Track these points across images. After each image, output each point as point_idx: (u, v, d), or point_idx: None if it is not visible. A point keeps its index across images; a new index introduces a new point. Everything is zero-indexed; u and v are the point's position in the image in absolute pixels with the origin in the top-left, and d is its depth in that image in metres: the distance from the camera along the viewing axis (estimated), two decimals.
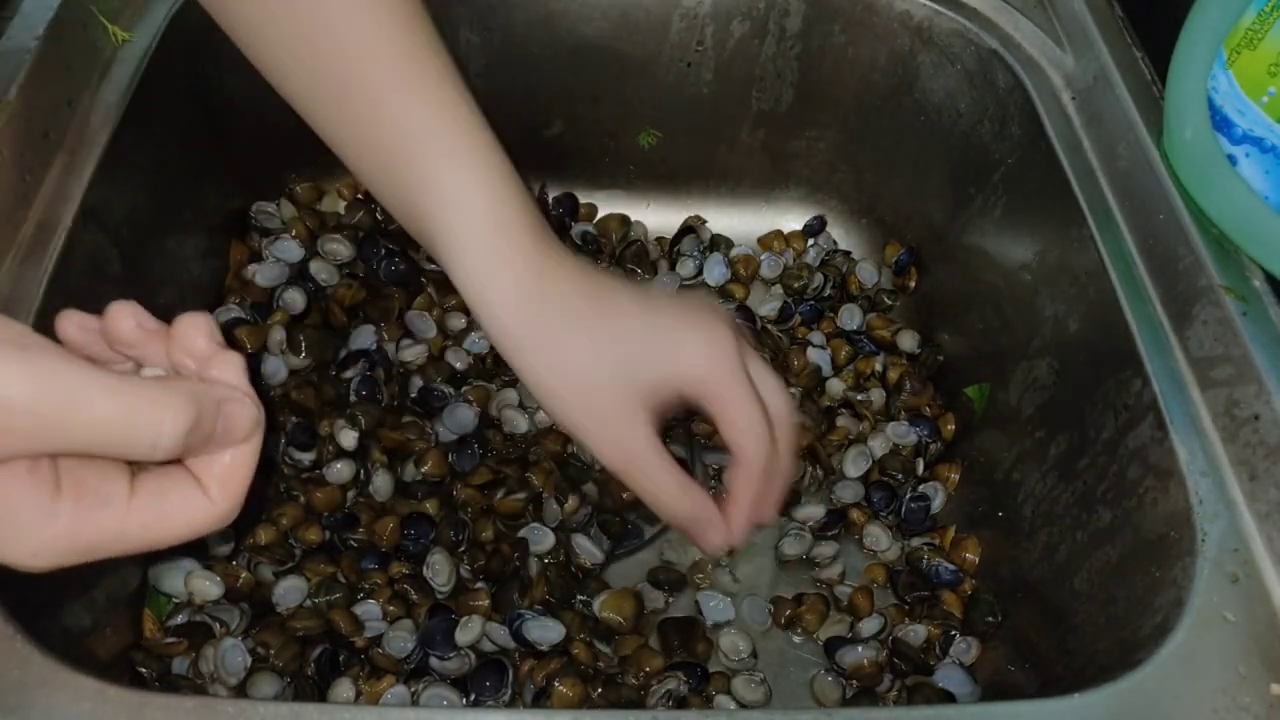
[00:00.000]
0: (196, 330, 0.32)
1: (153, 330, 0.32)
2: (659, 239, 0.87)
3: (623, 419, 0.46)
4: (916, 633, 0.66)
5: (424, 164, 0.45)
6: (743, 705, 0.62)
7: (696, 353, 0.47)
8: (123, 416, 0.27)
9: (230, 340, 0.73)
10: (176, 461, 0.31)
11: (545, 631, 0.62)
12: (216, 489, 0.31)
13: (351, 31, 0.45)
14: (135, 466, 0.30)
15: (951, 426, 0.76)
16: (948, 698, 0.63)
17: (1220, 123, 0.58)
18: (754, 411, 0.48)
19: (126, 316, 0.31)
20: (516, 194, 0.46)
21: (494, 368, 0.76)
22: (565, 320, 0.45)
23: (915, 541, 0.71)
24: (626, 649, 0.63)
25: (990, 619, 0.65)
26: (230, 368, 0.32)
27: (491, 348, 0.77)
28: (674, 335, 0.47)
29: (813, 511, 0.72)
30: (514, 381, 0.75)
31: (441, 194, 0.45)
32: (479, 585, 0.66)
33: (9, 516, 0.28)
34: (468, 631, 0.61)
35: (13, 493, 0.28)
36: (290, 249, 0.79)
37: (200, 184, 0.74)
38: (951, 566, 0.68)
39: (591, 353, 0.46)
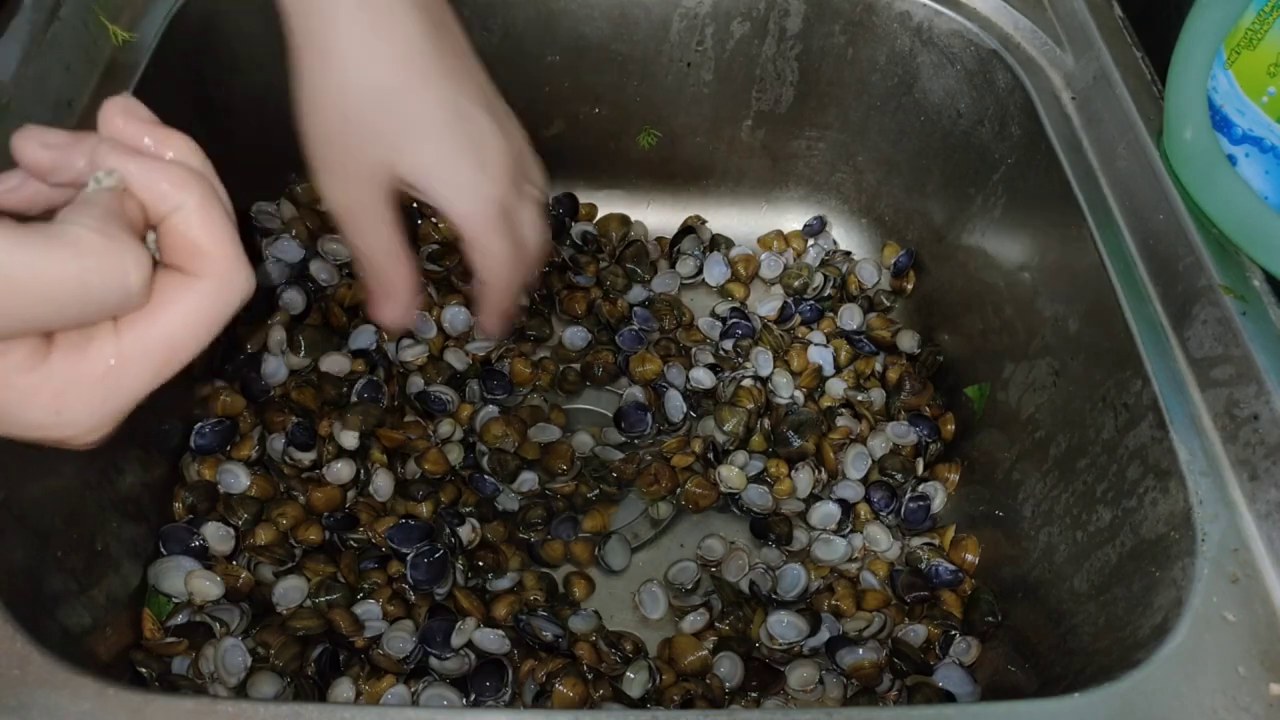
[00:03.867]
0: (115, 116, 0.30)
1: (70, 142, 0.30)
2: (659, 239, 0.87)
3: (357, 175, 0.45)
4: (916, 633, 0.66)
5: None
6: None
7: (462, 193, 0.45)
8: (79, 276, 0.26)
9: (231, 339, 0.73)
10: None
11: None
12: (196, 263, 0.29)
13: None
14: None
15: (951, 426, 0.76)
16: (948, 698, 0.63)
17: (1220, 122, 0.58)
18: (499, 254, 0.47)
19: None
20: None
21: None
22: (367, 67, 0.43)
23: (915, 541, 0.71)
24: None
25: (990, 619, 0.65)
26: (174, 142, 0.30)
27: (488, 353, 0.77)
28: (453, 161, 0.45)
29: (830, 511, 0.72)
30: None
31: None
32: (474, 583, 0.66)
33: (5, 391, 0.27)
34: (463, 634, 0.62)
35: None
36: (290, 249, 0.79)
37: None
38: (951, 566, 0.68)
39: (364, 106, 0.43)
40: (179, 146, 0.30)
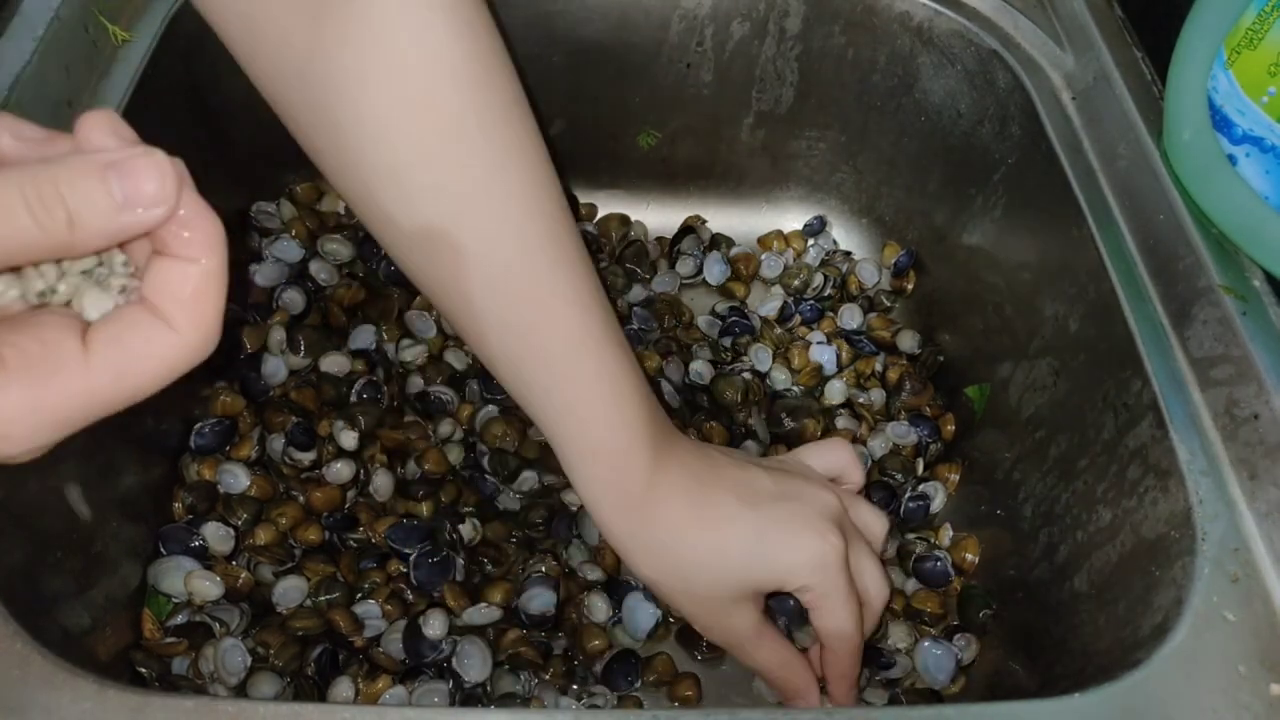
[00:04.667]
0: (96, 129, 0.28)
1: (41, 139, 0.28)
2: (659, 239, 0.87)
3: (724, 612, 0.53)
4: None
5: (553, 372, 0.50)
6: None
7: (799, 565, 0.52)
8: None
9: (230, 341, 0.73)
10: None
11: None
12: (182, 318, 0.28)
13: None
14: (84, 319, 0.28)
15: (951, 427, 0.76)
16: (933, 697, 0.63)
17: (1220, 122, 0.58)
18: (848, 614, 0.53)
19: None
20: (638, 405, 0.52)
21: None
22: (670, 535, 0.52)
23: (909, 536, 0.71)
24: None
25: (986, 610, 0.65)
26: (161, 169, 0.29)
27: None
28: (777, 549, 0.52)
29: None
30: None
31: (565, 401, 0.51)
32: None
33: None
34: (433, 628, 0.61)
35: None
36: (290, 249, 0.79)
37: (199, 184, 0.74)
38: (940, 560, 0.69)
39: (692, 563, 0.52)
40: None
